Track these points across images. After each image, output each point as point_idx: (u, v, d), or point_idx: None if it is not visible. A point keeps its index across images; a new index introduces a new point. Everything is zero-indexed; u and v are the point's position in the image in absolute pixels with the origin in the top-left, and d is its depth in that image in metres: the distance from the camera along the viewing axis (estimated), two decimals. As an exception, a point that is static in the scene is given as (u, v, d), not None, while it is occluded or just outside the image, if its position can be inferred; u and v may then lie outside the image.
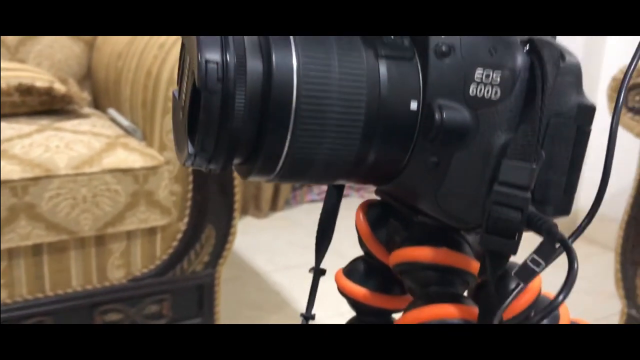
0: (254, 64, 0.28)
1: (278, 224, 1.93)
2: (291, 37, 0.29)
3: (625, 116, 1.13)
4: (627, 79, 0.27)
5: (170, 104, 1.05)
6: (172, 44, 1.09)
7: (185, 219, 1.11)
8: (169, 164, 1.07)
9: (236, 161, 0.30)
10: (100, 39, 1.41)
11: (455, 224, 0.31)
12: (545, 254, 0.26)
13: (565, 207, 0.29)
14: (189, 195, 1.10)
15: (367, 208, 0.38)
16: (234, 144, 0.29)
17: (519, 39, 0.28)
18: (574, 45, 0.32)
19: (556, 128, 0.28)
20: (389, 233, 0.36)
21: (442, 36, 0.29)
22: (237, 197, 1.15)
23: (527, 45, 0.28)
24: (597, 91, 1.77)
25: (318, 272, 0.40)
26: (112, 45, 1.31)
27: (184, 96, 0.30)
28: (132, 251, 1.08)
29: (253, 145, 0.29)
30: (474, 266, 0.33)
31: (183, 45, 0.31)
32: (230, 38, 0.28)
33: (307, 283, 1.65)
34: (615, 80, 1.14)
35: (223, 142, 0.28)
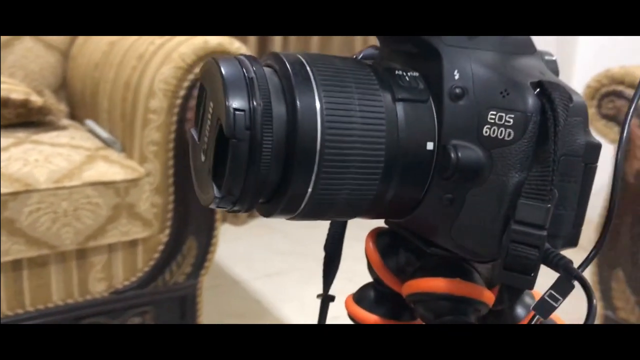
0: (279, 109, 0.29)
1: (256, 231, 1.92)
2: (312, 79, 0.30)
3: (599, 122, 1.16)
4: (629, 116, 0.28)
5: (150, 116, 1.05)
6: (151, 54, 1.08)
7: (167, 231, 1.10)
8: (150, 176, 1.06)
9: (259, 201, 0.31)
10: (76, 48, 1.39)
11: (468, 257, 0.32)
12: (562, 290, 0.27)
13: (573, 240, 0.30)
14: (170, 207, 1.09)
15: (377, 236, 0.38)
16: (259, 188, 0.29)
17: (529, 81, 0.29)
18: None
19: (566, 166, 0.29)
20: (399, 262, 0.37)
21: (456, 78, 0.30)
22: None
23: (537, 87, 0.29)
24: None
25: (327, 299, 0.41)
26: (89, 55, 1.30)
27: (205, 139, 0.31)
28: (113, 264, 1.08)
29: (277, 187, 0.30)
30: (486, 295, 0.34)
31: (202, 87, 0.32)
32: (255, 83, 0.29)
33: (288, 290, 1.65)
34: (589, 87, 1.17)
35: (250, 187, 0.29)
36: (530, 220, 0.28)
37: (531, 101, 0.29)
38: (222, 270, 1.65)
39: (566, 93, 0.28)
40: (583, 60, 1.85)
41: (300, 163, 0.29)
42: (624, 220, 1.13)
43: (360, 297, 0.40)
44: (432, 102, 0.31)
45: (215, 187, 0.29)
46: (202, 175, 0.31)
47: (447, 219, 0.31)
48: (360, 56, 0.36)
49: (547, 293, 0.28)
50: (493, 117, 0.29)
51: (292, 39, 1.94)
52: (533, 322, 0.29)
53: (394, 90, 0.31)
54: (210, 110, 0.30)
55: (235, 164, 0.28)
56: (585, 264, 0.29)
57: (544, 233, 0.28)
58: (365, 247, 0.39)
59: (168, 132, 1.06)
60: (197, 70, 1.05)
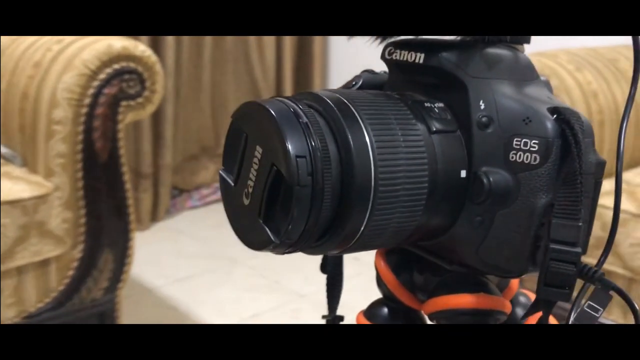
0: (332, 150, 0.29)
1: (161, 234, 1.87)
2: (359, 118, 0.30)
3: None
4: (625, 120, 0.30)
5: (54, 127, 0.99)
6: (49, 62, 1.02)
7: (80, 246, 1.05)
8: (58, 191, 1.01)
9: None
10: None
11: (495, 274, 0.34)
12: (601, 301, 0.30)
13: (584, 248, 0.32)
14: (82, 221, 1.04)
15: (386, 255, 0.39)
16: (317, 231, 0.30)
17: (545, 107, 0.32)
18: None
19: (584, 184, 0.31)
20: (414, 279, 0.38)
21: (482, 108, 0.32)
22: (132, 217, 1.11)
23: (554, 113, 0.31)
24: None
25: (336, 320, 0.41)
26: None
27: (250, 183, 0.30)
28: (24, 287, 1.01)
29: (329, 227, 0.30)
30: (507, 305, 0.36)
31: (239, 130, 0.31)
32: (311, 127, 0.29)
33: (202, 293, 1.64)
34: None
35: (309, 230, 0.29)
36: (564, 238, 0.30)
37: (551, 127, 0.31)
38: (130, 278, 1.59)
39: (579, 117, 0.31)
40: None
41: (357, 201, 0.29)
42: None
43: (372, 314, 0.40)
44: (459, 131, 0.32)
45: (270, 232, 0.29)
46: (246, 219, 0.31)
47: (475, 239, 0.33)
48: (360, 83, 0.36)
49: (586, 304, 0.30)
50: (518, 143, 0.31)
51: (185, 38, 1.90)
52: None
53: (428, 122, 0.32)
54: (258, 155, 0.30)
55: (298, 210, 0.28)
56: (598, 267, 0.31)
57: (579, 250, 0.30)
58: (376, 266, 0.39)
59: (75, 143, 1.01)
60: (102, 76, 1.01)
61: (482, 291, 0.35)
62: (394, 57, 0.35)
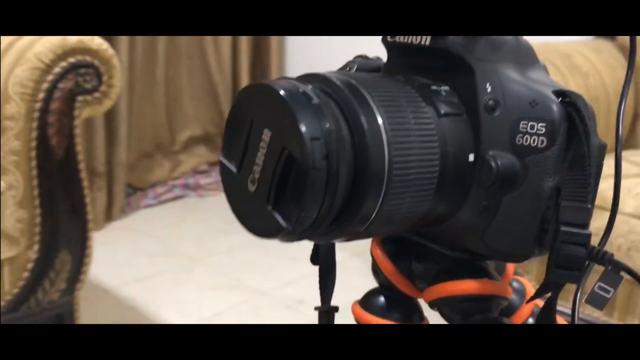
0: (345, 133, 0.28)
1: (116, 233, 1.83)
2: (370, 101, 0.29)
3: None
4: (622, 105, 0.30)
5: (7, 123, 0.95)
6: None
7: (36, 247, 1.01)
8: (12, 189, 0.97)
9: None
10: None
11: (499, 259, 0.33)
12: (611, 281, 0.30)
13: None
14: (38, 220, 1.00)
15: (382, 244, 0.38)
16: (329, 216, 0.29)
17: (550, 90, 0.31)
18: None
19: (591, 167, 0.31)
20: (413, 267, 0.37)
21: (488, 91, 0.31)
22: (90, 217, 1.08)
23: (559, 96, 0.31)
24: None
25: (331, 311, 0.40)
26: None
27: (257, 168, 0.29)
28: (-24, 290, 0.97)
29: (340, 213, 0.29)
30: (509, 290, 0.36)
31: (242, 113, 0.30)
32: (324, 109, 0.28)
33: (162, 293, 1.60)
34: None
35: (322, 216, 0.28)
36: (574, 221, 0.30)
37: (557, 110, 0.31)
38: (87, 279, 1.55)
39: (584, 100, 0.31)
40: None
41: (371, 186, 0.28)
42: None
43: (368, 303, 0.39)
44: (466, 115, 0.32)
45: (280, 219, 0.28)
46: (252, 206, 0.30)
47: (480, 224, 0.32)
48: (355, 68, 0.35)
49: (596, 286, 0.30)
50: (525, 126, 0.31)
51: (139, 37, 1.86)
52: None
53: (436, 105, 0.31)
54: (266, 138, 0.29)
55: (313, 195, 0.27)
56: (601, 247, 0.31)
57: (589, 232, 0.30)
58: (372, 254, 0.39)
59: (29, 140, 0.97)
60: (57, 69, 0.97)
61: (485, 277, 0.35)
62: (397, 40, 0.34)
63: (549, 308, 0.31)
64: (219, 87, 2.14)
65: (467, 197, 0.32)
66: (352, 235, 0.30)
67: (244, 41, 2.11)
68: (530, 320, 0.38)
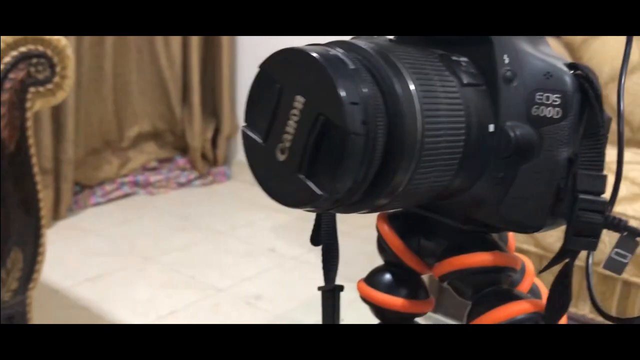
0: (379, 100, 0.28)
1: (65, 233, 1.77)
2: (401, 67, 0.28)
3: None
4: (622, 80, 0.31)
5: (-46, 115, 0.90)
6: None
7: (-15, 245, 0.97)
8: (-40, 185, 0.92)
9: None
10: None
11: (513, 229, 0.33)
12: (628, 247, 0.30)
13: None
14: (-13, 217, 0.96)
15: (389, 220, 0.38)
16: (364, 186, 0.28)
17: (561, 63, 0.32)
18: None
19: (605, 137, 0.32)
20: (422, 242, 0.37)
21: (506, 62, 0.31)
22: (44, 213, 1.04)
23: (571, 69, 0.32)
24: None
25: (336, 290, 0.39)
26: None
27: (288, 137, 0.28)
28: None
29: (373, 182, 0.28)
30: (518, 262, 0.36)
31: (271, 80, 0.29)
32: (360, 73, 0.27)
33: (115, 292, 1.56)
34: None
35: (357, 183, 0.27)
36: (591, 189, 0.30)
37: (571, 81, 0.31)
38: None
39: (594, 73, 0.31)
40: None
41: (405, 154, 0.28)
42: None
43: (375, 281, 0.39)
44: (485, 86, 0.32)
45: (315, 187, 0.27)
46: (282, 176, 0.29)
47: (496, 196, 0.32)
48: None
49: (613, 252, 0.30)
50: (540, 97, 0.31)
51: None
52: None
53: (459, 75, 0.31)
54: (299, 105, 0.28)
55: (351, 161, 0.27)
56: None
57: (605, 199, 0.30)
58: (379, 230, 0.38)
59: (-23, 133, 0.93)
60: (7, 59, 0.93)
61: (496, 249, 0.35)
62: None
63: (565, 275, 0.31)
64: (168, 83, 2.10)
65: (484, 169, 0.32)
66: (378, 207, 0.30)
67: (195, 36, 2.07)
68: (529, 296, 0.38)
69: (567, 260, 0.31)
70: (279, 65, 0.29)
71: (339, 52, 0.28)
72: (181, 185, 2.16)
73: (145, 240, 1.75)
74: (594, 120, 0.31)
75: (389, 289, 0.38)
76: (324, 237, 0.39)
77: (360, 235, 1.94)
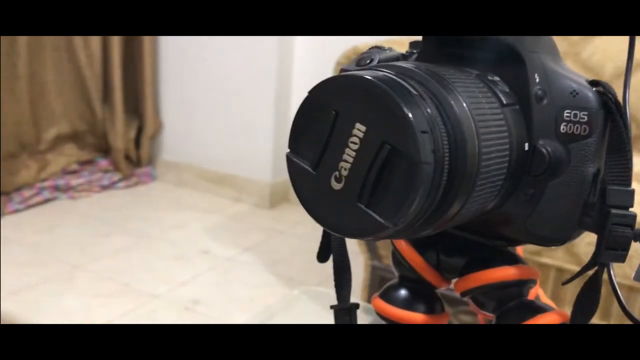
0: (442, 125, 0.27)
1: (-19, 244, 1.66)
2: (453, 88, 0.28)
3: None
4: (627, 81, 0.32)
5: None
6: None
7: None
8: None
9: None
10: None
11: (540, 244, 0.34)
12: None
13: None
14: None
15: None
16: (428, 212, 0.27)
17: (584, 80, 0.32)
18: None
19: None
20: (441, 257, 0.37)
21: (537, 81, 0.32)
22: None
23: (593, 86, 0.32)
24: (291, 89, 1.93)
25: (352, 308, 0.38)
26: None
27: (346, 165, 0.27)
28: None
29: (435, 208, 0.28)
30: (537, 273, 0.37)
31: (321, 105, 0.28)
32: (426, 99, 0.26)
33: (43, 304, 1.49)
34: (339, 64, 1.25)
35: (422, 212, 0.27)
36: (621, 203, 0.31)
37: (595, 99, 0.32)
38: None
39: (613, 88, 0.32)
40: (300, 55, 1.99)
41: (465, 179, 0.28)
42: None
43: (391, 297, 0.38)
44: (518, 105, 0.32)
45: (379, 217, 0.26)
46: (338, 205, 0.27)
47: (525, 212, 0.33)
48: (376, 59, 0.34)
49: None
50: (568, 115, 0.32)
51: None
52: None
53: (498, 95, 0.31)
54: (359, 133, 0.27)
55: (422, 190, 0.26)
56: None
57: (635, 213, 0.31)
58: (396, 247, 0.37)
59: None
60: None
61: (518, 262, 0.36)
62: None
63: (595, 284, 0.32)
64: (88, 81, 2.01)
65: (517, 187, 0.32)
66: (435, 229, 0.29)
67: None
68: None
69: (595, 269, 0.32)
70: (334, 91, 0.28)
71: (397, 76, 0.27)
72: (104, 188, 2.08)
73: (71, 247, 1.67)
74: (619, 136, 0.32)
75: (407, 304, 0.38)
76: (335, 253, 0.38)
77: (295, 234, 1.94)
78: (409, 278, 0.38)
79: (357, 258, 1.61)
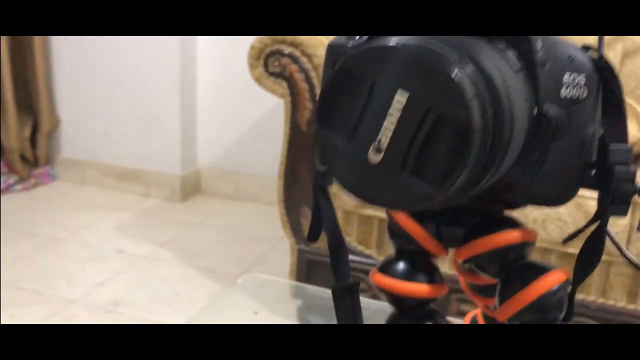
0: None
1: None
2: (480, 53, 0.28)
3: (268, 80, 1.25)
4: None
5: None
6: None
7: None
8: None
9: None
10: None
11: (542, 204, 0.35)
12: None
13: None
14: None
15: None
16: (475, 180, 0.27)
17: (578, 47, 0.34)
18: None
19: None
20: (440, 226, 0.38)
21: (540, 47, 0.32)
22: None
23: (586, 50, 0.34)
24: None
25: (355, 285, 0.37)
26: None
27: (387, 133, 0.27)
28: None
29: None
30: (536, 234, 0.38)
31: (355, 75, 0.27)
32: (463, 60, 0.26)
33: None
34: (254, 48, 1.24)
35: (469, 180, 0.27)
36: (622, 160, 0.33)
37: (589, 63, 0.33)
38: None
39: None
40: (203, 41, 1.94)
41: (502, 145, 0.28)
42: (303, 165, 1.26)
43: (390, 269, 0.38)
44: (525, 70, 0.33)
45: (427, 186, 0.26)
46: (378, 178, 0.27)
47: (529, 175, 0.34)
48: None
49: None
50: (567, 78, 0.33)
51: None
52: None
53: (509, 62, 0.31)
54: (402, 100, 0.26)
55: (473, 155, 0.26)
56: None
57: (635, 168, 0.33)
58: (394, 218, 0.37)
59: None
60: None
61: (519, 225, 0.37)
62: None
63: (598, 237, 0.34)
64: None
65: (524, 151, 0.33)
66: (465, 197, 0.30)
67: None
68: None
69: (599, 223, 0.34)
70: (371, 62, 0.27)
71: (437, 42, 0.27)
72: (0, 192, 1.94)
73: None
74: (615, 97, 0.34)
75: (408, 276, 0.38)
76: (328, 233, 0.38)
77: (210, 225, 1.91)
78: (408, 250, 0.39)
79: (282, 242, 1.61)
